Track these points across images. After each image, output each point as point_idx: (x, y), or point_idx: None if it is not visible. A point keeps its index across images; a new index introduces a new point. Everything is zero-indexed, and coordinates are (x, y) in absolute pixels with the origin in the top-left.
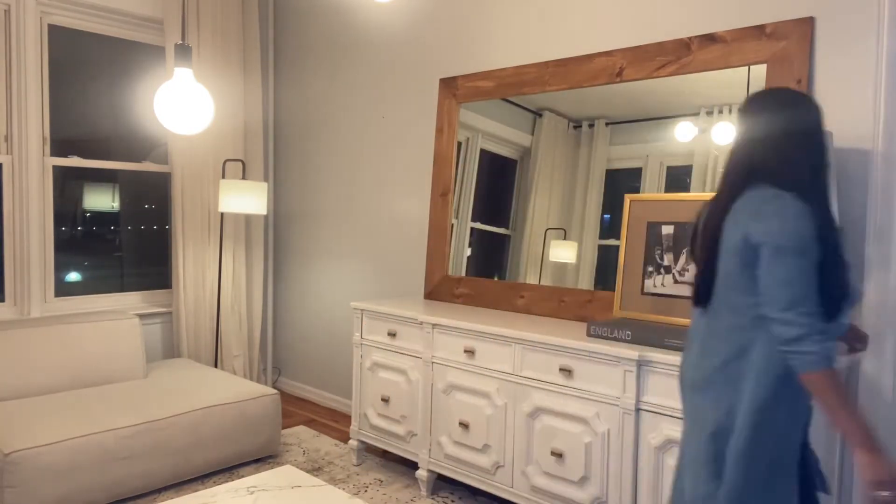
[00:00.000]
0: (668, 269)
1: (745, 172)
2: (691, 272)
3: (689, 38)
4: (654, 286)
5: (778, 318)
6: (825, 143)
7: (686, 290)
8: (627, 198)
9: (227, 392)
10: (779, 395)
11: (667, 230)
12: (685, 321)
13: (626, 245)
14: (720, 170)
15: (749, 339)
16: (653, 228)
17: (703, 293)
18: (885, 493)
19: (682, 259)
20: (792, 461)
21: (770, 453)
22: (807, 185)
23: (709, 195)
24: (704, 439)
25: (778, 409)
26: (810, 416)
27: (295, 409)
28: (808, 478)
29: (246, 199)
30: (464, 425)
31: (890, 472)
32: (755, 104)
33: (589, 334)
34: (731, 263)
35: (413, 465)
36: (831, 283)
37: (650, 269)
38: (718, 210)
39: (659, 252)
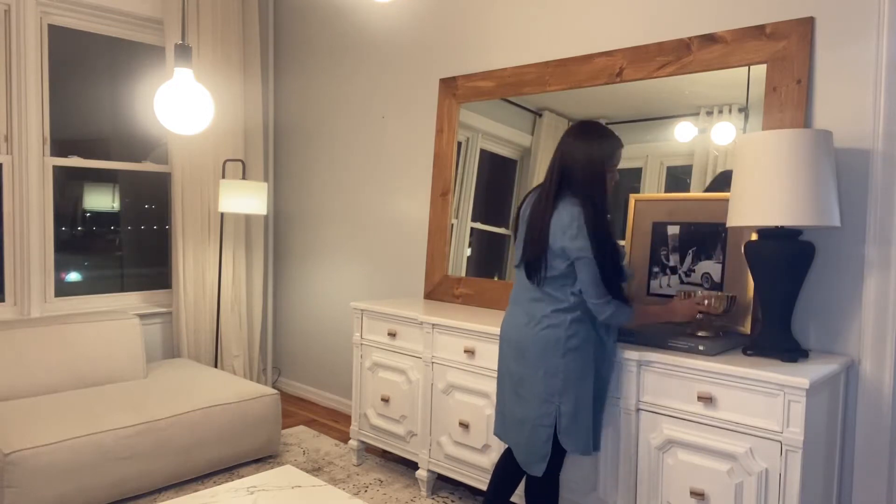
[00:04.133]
0: (674, 270)
1: (556, 188)
2: (698, 273)
3: (689, 38)
4: (661, 287)
5: (594, 304)
6: (604, 176)
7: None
8: (632, 197)
9: (227, 392)
10: (579, 336)
11: (672, 230)
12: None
13: (631, 245)
14: (720, 170)
15: (572, 309)
16: (658, 228)
17: (535, 274)
18: (700, 316)
19: (689, 259)
20: (590, 370)
21: (580, 363)
22: (594, 201)
23: (713, 195)
24: (546, 361)
25: (578, 343)
26: (602, 349)
27: (295, 409)
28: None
29: (246, 199)
30: (464, 425)
31: (685, 310)
32: (572, 132)
33: None
34: (558, 262)
35: (413, 465)
36: (616, 268)
37: (656, 269)
38: (544, 218)
39: (665, 252)
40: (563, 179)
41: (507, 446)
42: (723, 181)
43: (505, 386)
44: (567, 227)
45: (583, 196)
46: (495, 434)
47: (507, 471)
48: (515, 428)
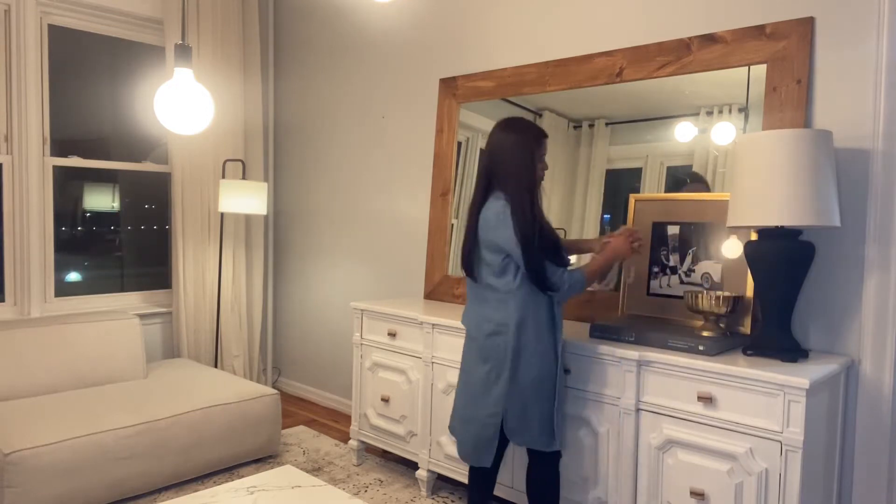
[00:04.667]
0: (674, 270)
1: (484, 184)
2: (698, 273)
3: (689, 38)
4: (661, 287)
5: (548, 290)
6: (533, 168)
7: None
8: (632, 197)
9: (227, 392)
10: (528, 316)
11: (672, 230)
12: (692, 322)
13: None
14: (720, 170)
15: (513, 300)
16: (658, 229)
17: (472, 271)
18: (637, 245)
19: (689, 259)
20: (550, 337)
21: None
22: (521, 193)
23: (712, 195)
24: (501, 352)
25: (528, 323)
26: (554, 322)
27: (295, 409)
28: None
29: (246, 199)
30: None
31: (624, 243)
32: (495, 129)
33: (591, 335)
34: (491, 255)
35: (413, 465)
36: (553, 249)
37: (656, 269)
38: (473, 215)
39: (665, 252)
40: (492, 176)
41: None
42: (689, 179)
43: (459, 383)
44: (492, 220)
45: (511, 189)
46: (450, 429)
47: (479, 472)
48: (463, 426)
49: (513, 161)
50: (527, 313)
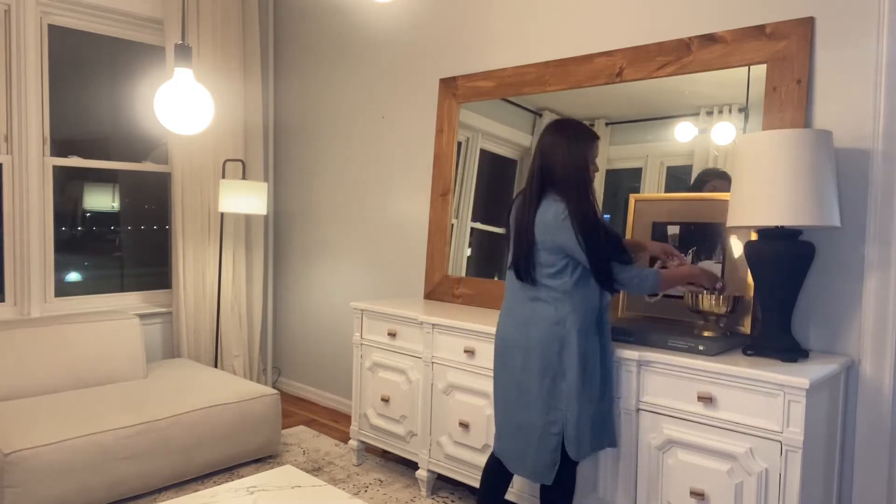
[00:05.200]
0: None
1: (538, 186)
2: None
3: (689, 38)
4: None
5: (612, 286)
6: (588, 170)
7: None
8: (632, 197)
9: (227, 392)
10: (576, 320)
11: (672, 230)
12: (692, 322)
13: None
14: (721, 170)
15: (567, 302)
16: (658, 228)
17: (526, 275)
18: (718, 286)
19: (689, 259)
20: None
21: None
22: (578, 196)
23: (713, 195)
24: (546, 349)
25: (575, 326)
26: (599, 324)
27: (295, 409)
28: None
29: (246, 199)
30: (464, 425)
31: (706, 277)
32: (548, 131)
33: None
34: (548, 257)
35: (413, 465)
36: (617, 247)
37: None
38: (528, 216)
39: None
40: (545, 179)
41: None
42: (706, 177)
43: (507, 393)
44: (552, 222)
45: (566, 192)
46: (496, 452)
47: (496, 473)
48: (517, 436)
49: (568, 163)
50: (581, 311)
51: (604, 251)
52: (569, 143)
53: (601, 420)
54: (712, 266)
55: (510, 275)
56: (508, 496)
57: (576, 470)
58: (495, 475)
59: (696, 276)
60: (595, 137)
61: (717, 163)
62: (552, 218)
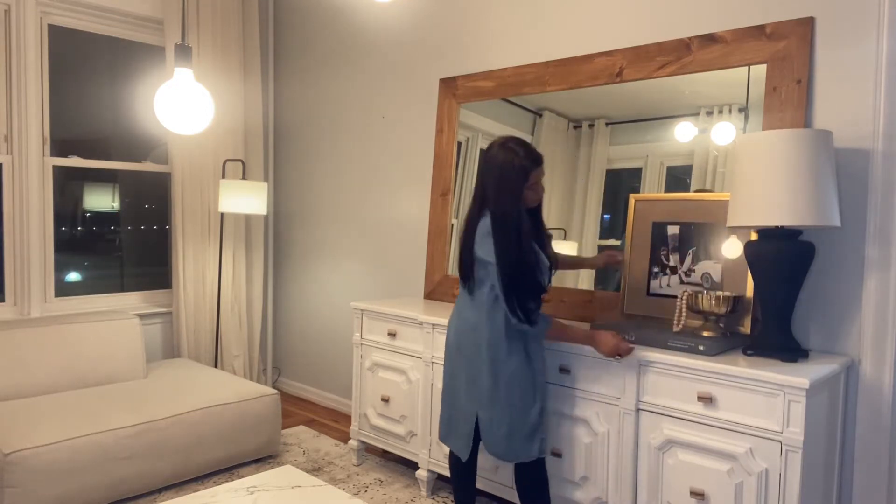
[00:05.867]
0: (674, 270)
1: (479, 200)
2: (698, 273)
3: (689, 38)
4: (660, 287)
5: (509, 311)
6: (518, 191)
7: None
8: (632, 197)
9: (227, 392)
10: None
11: (672, 230)
12: (693, 322)
13: (631, 245)
14: (720, 170)
15: (494, 311)
16: (658, 229)
17: (466, 282)
18: (620, 358)
19: (689, 259)
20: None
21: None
22: (505, 217)
23: (713, 195)
24: (485, 354)
25: (513, 336)
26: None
27: (295, 409)
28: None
29: (246, 199)
30: None
31: (612, 345)
32: (489, 147)
33: None
34: (481, 268)
35: (413, 465)
36: (530, 283)
37: (656, 269)
38: (468, 230)
39: (664, 252)
40: (484, 194)
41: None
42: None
43: (458, 387)
44: (481, 237)
45: (494, 211)
46: (441, 439)
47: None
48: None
49: (500, 182)
50: (508, 327)
51: (514, 278)
52: (504, 162)
53: (520, 429)
54: (712, 266)
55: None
56: (508, 496)
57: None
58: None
59: (597, 345)
60: (537, 160)
61: (718, 163)
62: (481, 234)
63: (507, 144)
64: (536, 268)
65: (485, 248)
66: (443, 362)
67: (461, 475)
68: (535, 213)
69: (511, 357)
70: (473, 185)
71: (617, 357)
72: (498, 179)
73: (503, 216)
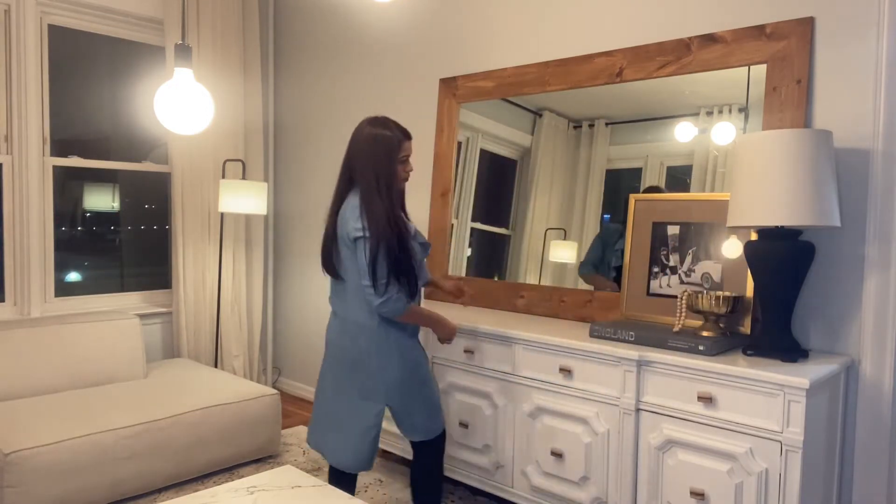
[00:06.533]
0: (674, 270)
1: (346, 181)
2: (698, 273)
3: (689, 38)
4: (661, 287)
5: (366, 288)
6: (391, 167)
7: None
8: (632, 197)
9: (227, 392)
10: (389, 323)
11: (672, 230)
12: (693, 323)
13: (632, 245)
14: (720, 170)
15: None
16: (658, 229)
17: (331, 268)
18: (448, 342)
19: (689, 260)
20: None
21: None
22: (378, 191)
23: (713, 195)
24: (353, 356)
25: (390, 329)
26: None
27: (295, 409)
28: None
29: (246, 199)
30: (464, 425)
31: (449, 331)
32: (359, 126)
33: (591, 335)
34: (345, 249)
35: None
36: (402, 260)
37: (656, 269)
38: (333, 210)
39: (665, 252)
40: (352, 174)
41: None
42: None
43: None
44: (349, 214)
45: (366, 187)
46: (310, 443)
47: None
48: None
49: (370, 157)
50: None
51: (380, 254)
52: (374, 137)
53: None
54: (712, 266)
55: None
56: (509, 496)
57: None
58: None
59: (441, 328)
60: (405, 136)
61: (718, 163)
62: (349, 211)
63: (378, 119)
64: (410, 239)
65: (352, 224)
66: (448, 363)
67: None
68: (401, 197)
69: (397, 345)
70: (341, 169)
71: (447, 342)
72: (369, 153)
73: (375, 182)
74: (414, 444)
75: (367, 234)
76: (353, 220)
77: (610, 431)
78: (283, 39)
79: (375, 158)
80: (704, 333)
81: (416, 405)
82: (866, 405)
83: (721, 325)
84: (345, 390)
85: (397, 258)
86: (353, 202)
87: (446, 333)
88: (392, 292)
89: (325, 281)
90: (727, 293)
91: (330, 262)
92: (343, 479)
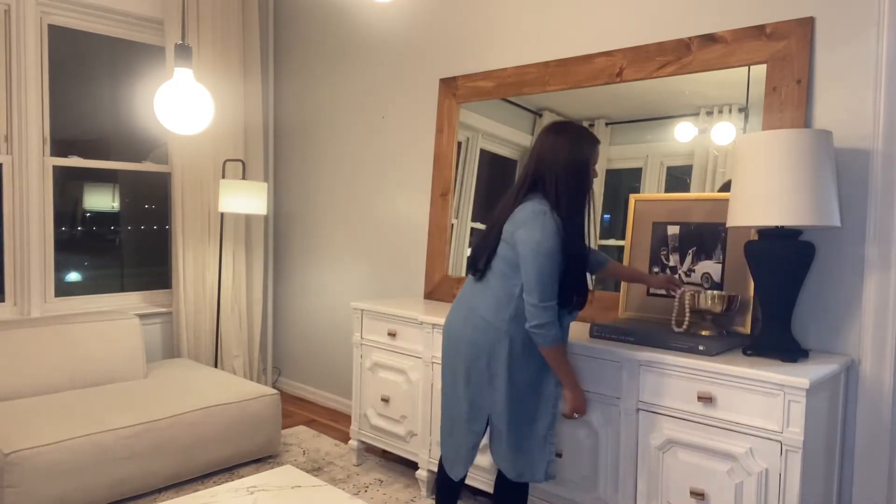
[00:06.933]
0: (674, 270)
1: (527, 185)
2: (698, 273)
3: (689, 38)
4: None
5: (532, 305)
6: (589, 175)
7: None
8: (632, 197)
9: (227, 392)
10: (526, 340)
11: (672, 230)
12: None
13: (632, 245)
14: (720, 170)
15: (510, 305)
16: (658, 229)
17: (480, 269)
18: (577, 416)
19: (689, 259)
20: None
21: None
22: (565, 206)
23: (713, 195)
24: (482, 365)
25: (516, 338)
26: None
27: (295, 409)
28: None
29: (246, 199)
30: None
31: (582, 403)
32: (547, 132)
33: (591, 335)
34: (507, 251)
35: (413, 465)
36: (570, 284)
37: (656, 269)
38: (504, 211)
39: (664, 252)
40: (538, 180)
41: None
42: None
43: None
44: (527, 219)
45: (556, 197)
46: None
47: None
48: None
49: (566, 167)
50: (518, 328)
51: (567, 274)
52: (572, 146)
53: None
54: (712, 266)
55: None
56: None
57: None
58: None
59: (570, 389)
60: (597, 142)
61: (718, 163)
62: (530, 215)
63: (571, 126)
64: (583, 267)
65: (529, 233)
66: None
67: (451, 491)
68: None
69: (527, 360)
70: (518, 178)
71: (575, 415)
72: (566, 163)
73: (572, 204)
74: (498, 471)
75: (547, 248)
76: (531, 229)
77: (610, 431)
78: (283, 39)
79: (572, 169)
80: (703, 333)
81: (511, 434)
82: (866, 405)
83: (718, 323)
84: (464, 380)
85: (570, 275)
86: (535, 208)
87: (575, 402)
88: (551, 316)
89: (325, 280)
90: (723, 292)
91: (480, 263)
92: (451, 489)
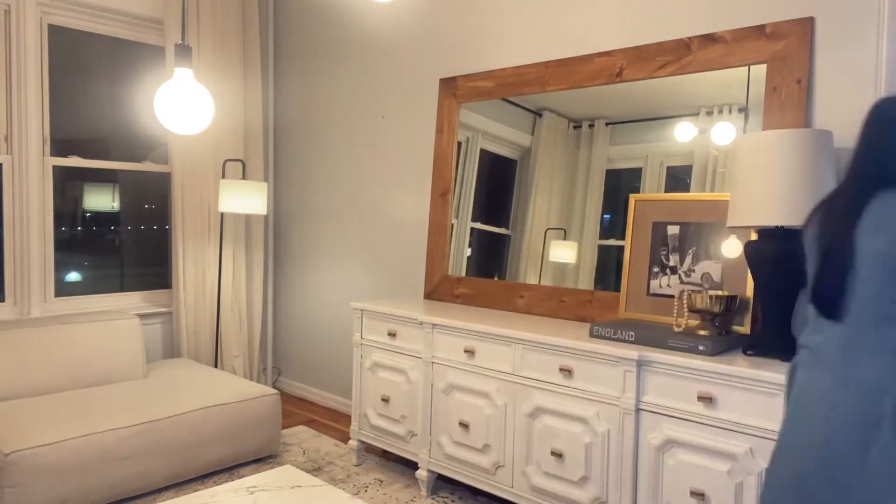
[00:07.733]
0: (674, 270)
1: (875, 176)
2: (698, 273)
3: (689, 38)
4: (660, 287)
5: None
6: None
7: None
8: (633, 197)
9: (227, 392)
10: None
11: (672, 230)
12: (693, 322)
13: (632, 245)
14: (721, 170)
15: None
16: (658, 229)
17: (829, 304)
18: None
19: (689, 259)
20: None
21: None
22: None
23: (712, 195)
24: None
25: None
26: None
27: (295, 409)
28: None
29: (246, 199)
30: (464, 425)
31: None
32: (893, 107)
33: (591, 335)
34: (879, 272)
35: (413, 465)
36: None
37: (656, 269)
38: (848, 218)
39: (665, 252)
40: (883, 171)
41: None
42: None
43: None
44: (881, 221)
45: None
46: None
47: None
48: None
49: None
50: None
51: None
52: None
53: None
54: (712, 266)
55: (815, 318)
56: (509, 496)
57: None
58: None
59: None
60: None
61: (718, 163)
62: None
63: None
64: None
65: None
66: (448, 363)
67: None
68: None
69: None
70: (853, 164)
71: None
72: None
73: None
74: None
75: None
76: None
77: (610, 431)
78: (283, 39)
79: None
80: (701, 333)
81: None
82: None
83: (717, 323)
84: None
85: None
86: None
87: None
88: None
89: (325, 280)
90: (721, 292)
91: (835, 295)
92: None
